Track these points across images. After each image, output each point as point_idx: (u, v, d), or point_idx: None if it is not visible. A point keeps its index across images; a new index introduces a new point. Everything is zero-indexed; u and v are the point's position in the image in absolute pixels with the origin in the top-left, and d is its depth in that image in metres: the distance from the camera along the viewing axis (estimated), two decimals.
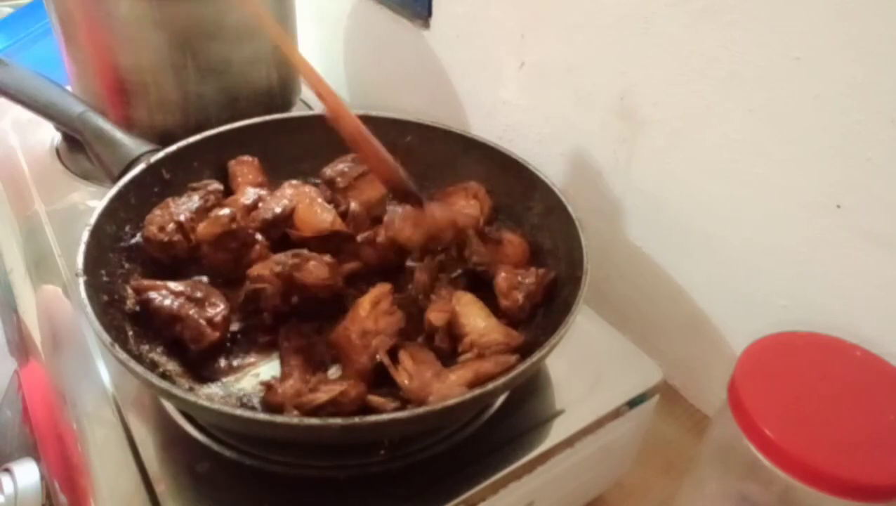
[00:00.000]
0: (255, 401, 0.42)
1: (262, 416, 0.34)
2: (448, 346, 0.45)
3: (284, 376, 0.42)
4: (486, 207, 0.55)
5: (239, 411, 0.36)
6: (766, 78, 0.44)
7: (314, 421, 0.36)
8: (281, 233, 0.52)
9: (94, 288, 0.42)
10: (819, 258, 0.45)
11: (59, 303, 0.52)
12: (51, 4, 0.65)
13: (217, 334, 0.44)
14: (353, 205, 0.53)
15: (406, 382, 0.41)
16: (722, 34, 0.46)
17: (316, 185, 0.57)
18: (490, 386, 0.36)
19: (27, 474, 0.48)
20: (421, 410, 0.36)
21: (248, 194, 0.53)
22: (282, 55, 0.50)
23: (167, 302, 0.44)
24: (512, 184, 0.57)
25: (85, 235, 0.44)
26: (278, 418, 0.34)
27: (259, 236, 0.50)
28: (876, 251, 0.41)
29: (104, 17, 0.61)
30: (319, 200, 0.53)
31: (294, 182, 0.55)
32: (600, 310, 0.51)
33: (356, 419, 0.35)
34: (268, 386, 0.41)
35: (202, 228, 0.48)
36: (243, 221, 0.50)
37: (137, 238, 0.50)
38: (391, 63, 0.84)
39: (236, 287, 0.47)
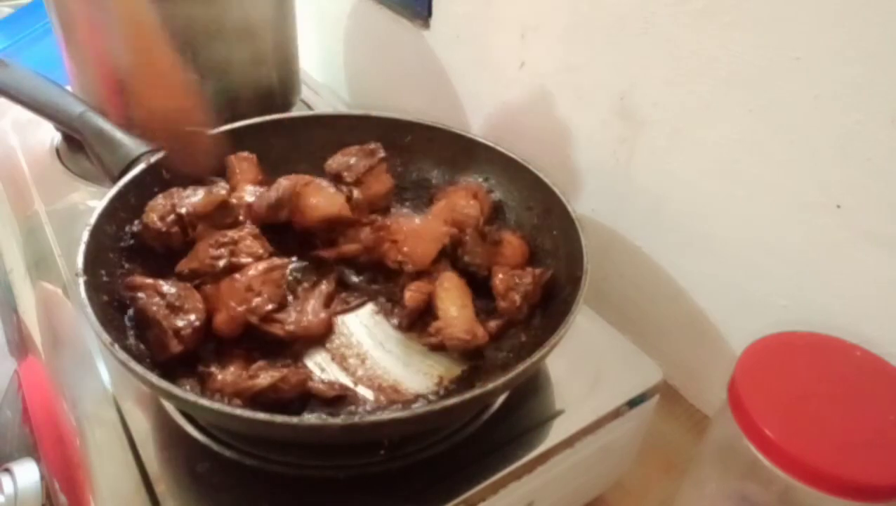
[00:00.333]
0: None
1: (261, 416, 0.34)
2: (406, 327, 0.47)
3: (225, 365, 0.41)
4: (487, 206, 0.55)
5: (239, 411, 0.36)
6: (766, 78, 0.44)
7: (314, 421, 0.36)
8: (282, 220, 0.52)
9: (94, 288, 0.42)
10: (819, 258, 0.45)
11: (59, 303, 0.52)
12: (51, 4, 0.65)
13: (180, 348, 0.42)
14: (356, 193, 0.53)
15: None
16: (722, 34, 0.46)
17: None
18: (490, 386, 0.36)
19: (27, 474, 0.48)
20: (421, 410, 0.36)
21: (248, 191, 0.53)
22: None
23: (148, 304, 0.43)
24: (512, 184, 0.57)
25: (85, 235, 0.44)
26: (278, 418, 0.34)
27: (248, 225, 0.50)
28: (876, 251, 0.41)
29: (104, 17, 0.61)
30: (325, 183, 0.53)
31: (290, 176, 0.55)
32: (600, 310, 0.51)
33: (356, 419, 0.35)
34: (207, 375, 0.41)
35: (198, 203, 0.48)
36: (244, 216, 0.51)
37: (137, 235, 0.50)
38: (391, 63, 0.84)
39: None
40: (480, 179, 0.59)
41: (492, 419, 0.43)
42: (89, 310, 0.39)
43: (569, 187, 0.51)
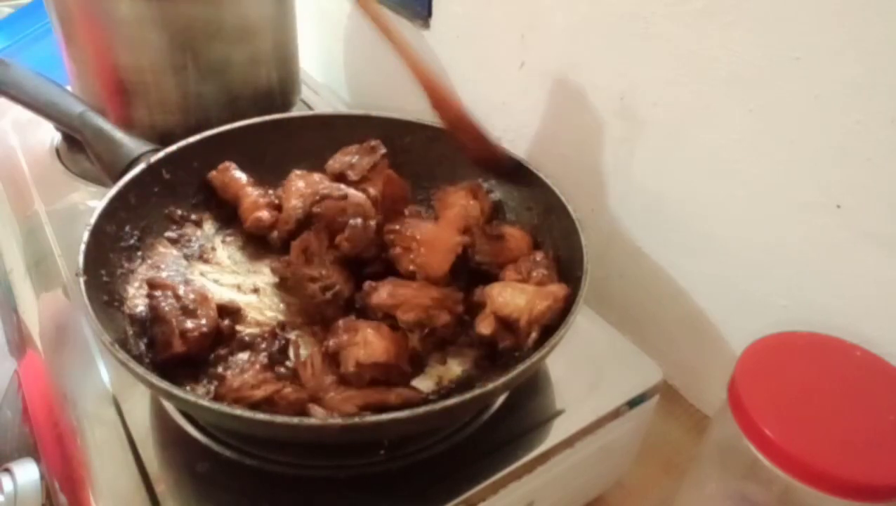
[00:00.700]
0: None
1: (261, 416, 0.34)
2: (512, 340, 0.45)
3: (243, 370, 0.41)
4: (486, 205, 0.55)
5: (239, 411, 0.36)
6: (766, 78, 0.44)
7: (314, 421, 0.36)
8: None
9: (94, 288, 0.42)
10: (819, 258, 0.45)
11: (59, 303, 0.52)
12: (51, 4, 0.65)
13: (183, 349, 0.42)
14: (373, 191, 0.53)
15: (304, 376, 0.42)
16: (722, 34, 0.46)
17: None
18: (490, 386, 0.36)
19: (27, 474, 0.48)
20: (421, 410, 0.36)
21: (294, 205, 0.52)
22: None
23: (162, 303, 0.43)
24: (512, 184, 0.57)
25: (85, 235, 0.44)
26: (278, 418, 0.34)
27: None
28: (876, 251, 0.41)
29: (104, 17, 0.61)
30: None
31: (298, 172, 0.55)
32: (600, 310, 0.51)
33: (356, 419, 0.35)
34: (221, 377, 0.41)
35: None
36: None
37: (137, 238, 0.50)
38: (391, 63, 0.84)
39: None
40: (480, 179, 0.59)
41: (492, 419, 0.43)
42: (89, 310, 0.39)
43: (569, 187, 0.51)
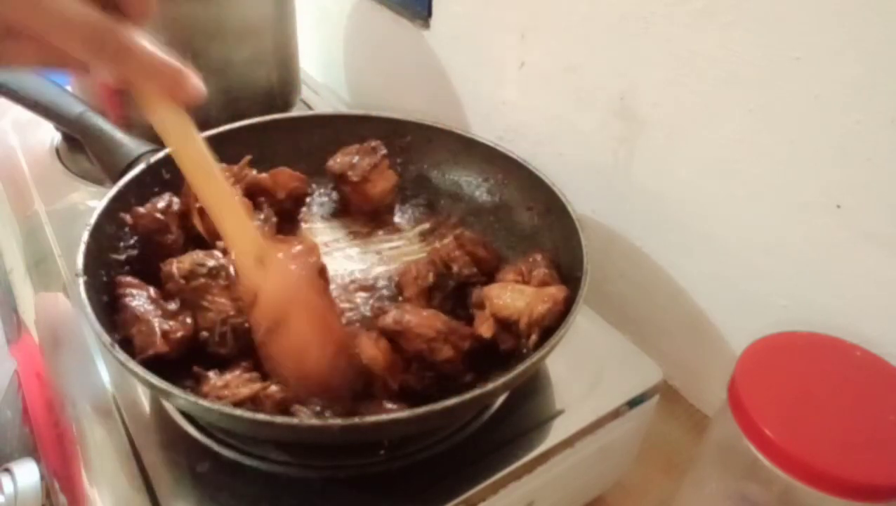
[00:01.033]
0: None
1: (261, 416, 0.34)
2: (513, 342, 0.44)
3: (226, 371, 0.41)
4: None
5: (239, 411, 0.36)
6: (766, 78, 0.44)
7: (314, 421, 0.36)
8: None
9: (94, 288, 0.42)
10: (819, 258, 0.45)
11: (59, 303, 0.52)
12: None
13: (165, 348, 0.40)
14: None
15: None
16: (722, 34, 0.46)
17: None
18: (490, 386, 0.36)
19: (27, 474, 0.48)
20: (421, 410, 0.36)
21: None
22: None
23: (136, 302, 0.43)
24: (512, 184, 0.57)
25: (85, 236, 0.44)
26: (278, 419, 0.34)
27: None
28: (876, 251, 0.41)
29: None
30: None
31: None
32: (600, 310, 0.51)
33: (356, 419, 0.35)
34: (203, 376, 0.40)
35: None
36: None
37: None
38: (391, 63, 0.84)
39: None
40: (480, 179, 0.59)
41: (492, 419, 0.43)
42: (89, 310, 0.39)
43: (569, 187, 0.51)
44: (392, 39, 0.81)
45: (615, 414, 0.44)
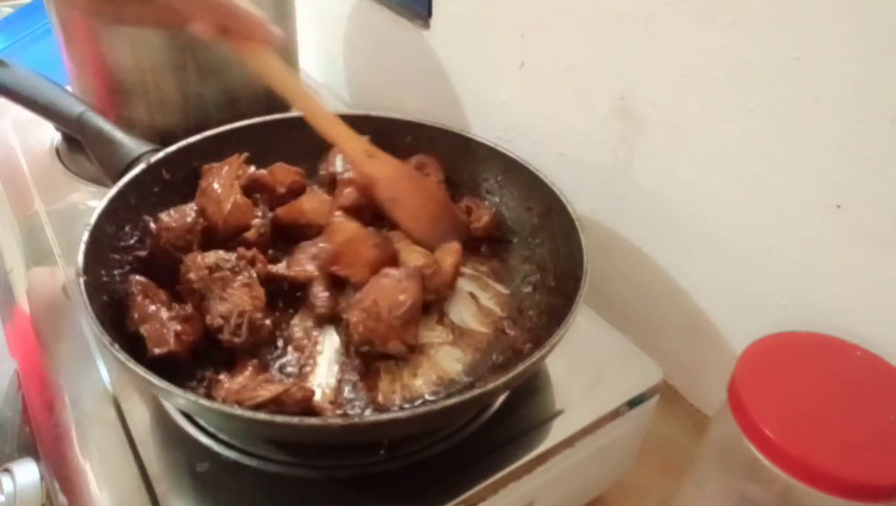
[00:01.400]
0: None
1: (261, 416, 0.34)
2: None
3: (236, 373, 0.41)
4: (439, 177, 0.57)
5: (239, 411, 0.36)
6: (766, 78, 0.44)
7: (314, 421, 0.36)
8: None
9: (94, 288, 0.42)
10: (819, 258, 0.45)
11: (59, 303, 0.52)
12: (51, 4, 0.65)
13: (178, 348, 0.41)
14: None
15: None
16: (722, 34, 0.46)
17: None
18: (490, 386, 0.36)
19: (27, 474, 0.48)
20: (421, 410, 0.36)
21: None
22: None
23: (150, 301, 0.43)
24: (512, 184, 0.57)
25: (85, 235, 0.44)
26: (278, 418, 0.34)
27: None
28: (876, 251, 0.41)
29: None
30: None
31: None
32: (600, 310, 0.51)
33: (356, 419, 0.35)
34: (214, 380, 0.41)
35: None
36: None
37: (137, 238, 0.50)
38: (391, 63, 0.84)
39: None
40: (480, 179, 0.59)
41: (492, 419, 0.43)
42: (89, 310, 0.39)
43: (569, 187, 0.51)
44: (392, 39, 0.81)
45: (615, 414, 0.44)
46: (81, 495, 0.40)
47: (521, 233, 0.56)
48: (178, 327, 0.42)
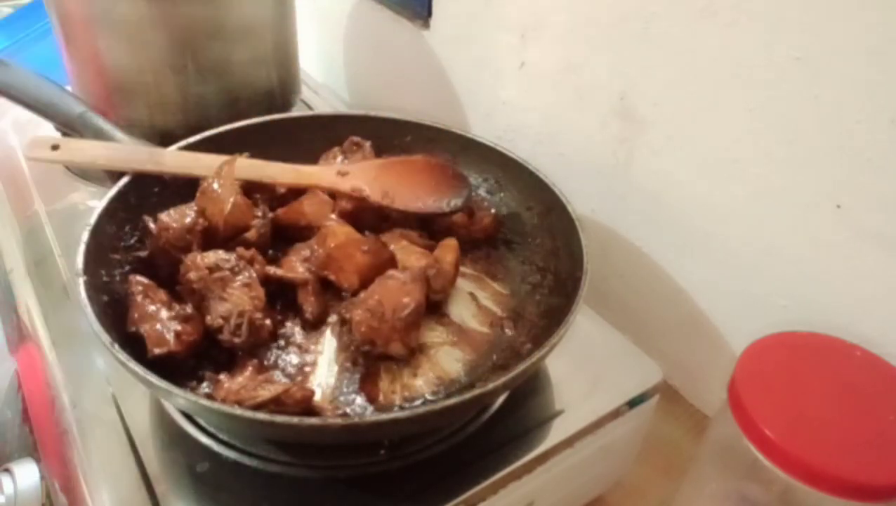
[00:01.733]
0: None
1: (261, 416, 0.34)
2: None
3: (236, 373, 0.41)
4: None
5: (239, 411, 0.36)
6: (766, 78, 0.44)
7: (314, 421, 0.36)
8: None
9: (94, 288, 0.42)
10: (819, 258, 0.45)
11: (59, 303, 0.52)
12: (51, 4, 0.65)
13: (178, 348, 0.41)
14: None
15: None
16: (722, 34, 0.46)
17: None
18: (490, 386, 0.36)
19: (27, 474, 0.48)
20: (421, 410, 0.36)
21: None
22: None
23: (149, 302, 0.43)
24: (512, 184, 0.57)
25: (85, 235, 0.44)
26: (278, 418, 0.34)
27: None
28: (876, 251, 0.41)
29: (104, 17, 0.61)
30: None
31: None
32: (600, 310, 0.51)
33: (356, 419, 0.35)
34: (214, 380, 0.41)
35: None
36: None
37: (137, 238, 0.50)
38: (391, 63, 0.84)
39: None
40: (480, 179, 0.59)
41: (492, 419, 0.43)
42: (89, 310, 0.39)
43: (569, 187, 0.51)
44: (392, 39, 0.81)
45: (615, 414, 0.44)
46: (81, 495, 0.40)
47: (521, 233, 0.56)
48: (178, 327, 0.42)
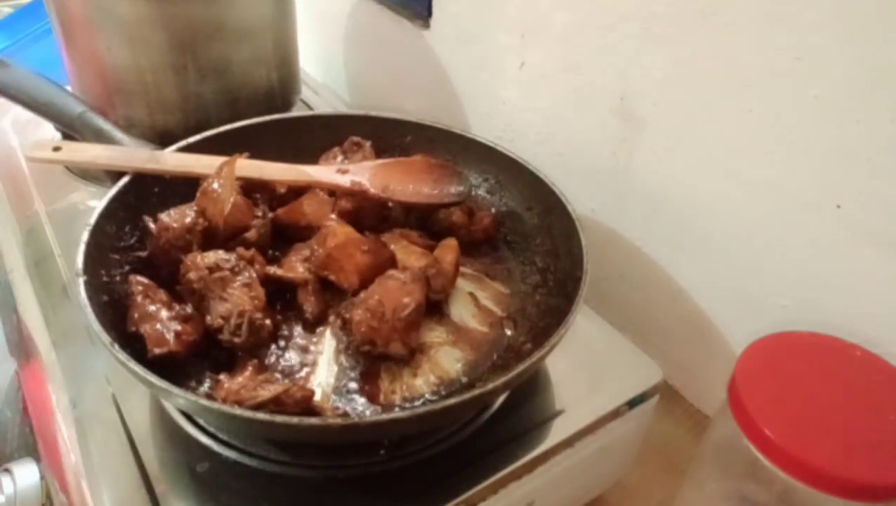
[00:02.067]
0: None
1: (261, 416, 0.34)
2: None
3: (236, 373, 0.41)
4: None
5: (239, 411, 0.36)
6: (766, 78, 0.44)
7: (314, 421, 0.36)
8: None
9: (94, 288, 0.42)
10: (819, 258, 0.45)
11: (59, 303, 0.52)
12: (51, 4, 0.65)
13: (178, 348, 0.41)
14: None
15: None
16: (722, 34, 0.46)
17: None
18: (490, 386, 0.36)
19: (27, 474, 0.48)
20: (421, 410, 0.36)
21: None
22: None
23: (149, 302, 0.43)
24: (512, 184, 0.57)
25: (85, 235, 0.44)
26: (278, 418, 0.34)
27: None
28: (876, 251, 0.41)
29: (104, 17, 0.61)
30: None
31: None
32: (600, 310, 0.51)
33: (356, 419, 0.35)
34: (214, 380, 0.41)
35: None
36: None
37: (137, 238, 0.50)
38: (391, 63, 0.84)
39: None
40: (480, 179, 0.59)
41: (492, 419, 0.43)
42: (89, 310, 0.39)
43: (569, 187, 0.51)
44: (392, 39, 0.81)
45: (615, 414, 0.44)
46: (81, 495, 0.40)
47: (521, 233, 0.56)
48: (178, 327, 0.42)
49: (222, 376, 0.40)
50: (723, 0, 0.45)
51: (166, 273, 0.47)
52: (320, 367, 0.44)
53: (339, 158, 0.57)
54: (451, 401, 0.36)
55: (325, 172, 0.55)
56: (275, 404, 0.38)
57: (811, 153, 0.43)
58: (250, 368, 0.41)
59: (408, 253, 0.50)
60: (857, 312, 0.44)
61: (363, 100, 0.92)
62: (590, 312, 0.51)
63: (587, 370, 0.47)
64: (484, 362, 0.46)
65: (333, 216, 0.51)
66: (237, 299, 0.43)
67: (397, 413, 0.40)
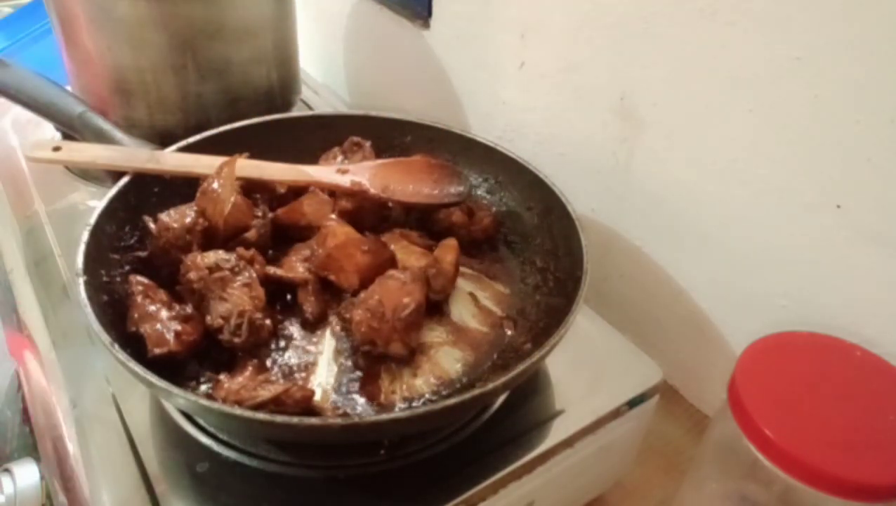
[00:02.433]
0: None
1: (261, 416, 0.34)
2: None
3: (236, 373, 0.41)
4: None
5: (239, 411, 0.36)
6: (766, 78, 0.44)
7: (314, 421, 0.36)
8: None
9: (94, 288, 0.42)
10: (819, 258, 0.45)
11: (59, 303, 0.52)
12: (51, 4, 0.65)
13: (178, 348, 0.41)
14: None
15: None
16: (722, 34, 0.46)
17: None
18: (490, 386, 0.36)
19: (27, 474, 0.48)
20: (421, 410, 0.36)
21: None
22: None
23: (150, 302, 0.43)
24: (512, 184, 0.57)
25: (85, 235, 0.44)
26: (278, 418, 0.34)
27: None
28: (876, 251, 0.41)
29: (104, 17, 0.61)
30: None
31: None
32: (600, 310, 0.51)
33: (356, 419, 0.35)
34: (214, 380, 0.41)
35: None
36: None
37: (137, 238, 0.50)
38: (391, 63, 0.84)
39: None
40: (480, 179, 0.59)
41: (492, 419, 0.43)
42: (89, 310, 0.39)
43: (569, 187, 0.51)
44: (392, 39, 0.81)
45: (615, 414, 0.44)
46: (81, 496, 0.40)
47: (521, 233, 0.56)
48: (178, 327, 0.42)
49: (222, 376, 0.41)
50: (723, 0, 0.45)
51: (166, 273, 0.47)
52: (320, 367, 0.44)
53: (339, 158, 0.57)
54: (451, 401, 0.36)
55: (325, 172, 0.55)
56: (275, 404, 0.38)
57: (811, 153, 0.43)
58: (250, 368, 0.41)
59: (408, 253, 0.50)
60: (857, 313, 0.44)
61: (363, 100, 0.92)
62: (590, 312, 0.51)
63: (587, 370, 0.47)
64: (484, 362, 0.46)
65: (333, 216, 0.51)
66: (237, 299, 0.43)
67: (397, 413, 0.40)
